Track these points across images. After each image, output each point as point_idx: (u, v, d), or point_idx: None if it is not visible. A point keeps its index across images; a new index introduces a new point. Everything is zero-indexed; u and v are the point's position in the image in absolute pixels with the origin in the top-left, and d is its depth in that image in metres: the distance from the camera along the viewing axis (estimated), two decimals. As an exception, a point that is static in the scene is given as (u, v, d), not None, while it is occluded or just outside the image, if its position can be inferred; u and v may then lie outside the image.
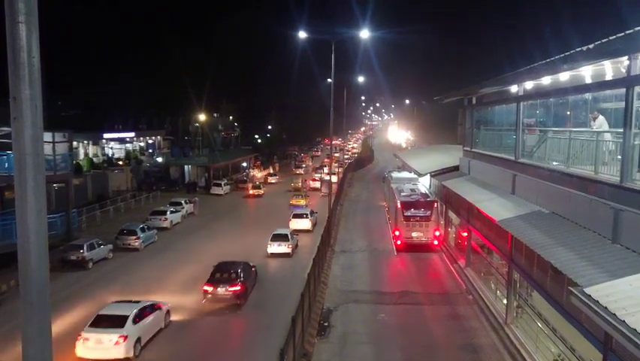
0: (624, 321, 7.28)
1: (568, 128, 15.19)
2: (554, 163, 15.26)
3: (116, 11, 67.65)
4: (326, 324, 18.27)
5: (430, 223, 28.68)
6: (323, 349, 16.29)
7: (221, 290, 19.29)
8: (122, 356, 14.79)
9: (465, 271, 23.67)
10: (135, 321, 15.54)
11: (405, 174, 40.66)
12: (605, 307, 7.79)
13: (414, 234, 28.70)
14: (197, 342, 16.60)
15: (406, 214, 28.65)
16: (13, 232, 17.20)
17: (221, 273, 20.12)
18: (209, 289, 19.33)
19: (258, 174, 66.64)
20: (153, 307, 16.90)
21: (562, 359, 13.05)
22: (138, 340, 15.39)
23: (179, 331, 17.33)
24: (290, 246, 27.15)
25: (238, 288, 19.44)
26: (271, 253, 26.89)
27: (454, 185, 24.77)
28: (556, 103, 16.56)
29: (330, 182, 36.84)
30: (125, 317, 15.38)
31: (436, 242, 28.88)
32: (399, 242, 28.88)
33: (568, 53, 11.58)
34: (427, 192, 31.72)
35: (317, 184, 53.07)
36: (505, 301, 17.80)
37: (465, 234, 24.72)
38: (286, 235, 27.67)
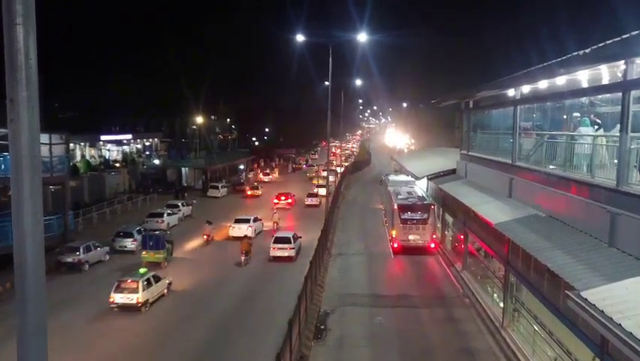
0: (620, 324, 7.30)
1: (564, 131, 15.23)
2: (551, 167, 15.29)
3: (115, 11, 67.17)
4: (323, 327, 18.25)
5: (427, 226, 28.70)
6: (319, 352, 16.28)
7: (282, 201, 44.02)
8: (250, 234, 30.89)
9: (462, 274, 23.68)
10: (254, 221, 32.64)
11: (402, 177, 40.71)
12: (602, 311, 7.81)
13: (411, 237, 28.71)
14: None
15: (402, 217, 28.67)
16: (9, 234, 17.14)
17: (281, 194, 44.87)
18: (277, 200, 44.13)
19: (259, 175, 66.99)
20: (258, 218, 33.85)
21: (558, 362, 13.05)
22: (255, 230, 32.18)
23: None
24: (318, 200, 45.27)
25: (290, 200, 45.16)
26: (306, 205, 45.24)
27: (450, 188, 24.80)
28: (553, 107, 16.60)
29: (334, 172, 51.61)
30: (249, 219, 32.93)
31: (432, 245, 28.91)
32: (396, 245, 28.90)
33: (565, 57, 11.64)
34: (424, 195, 31.73)
35: (325, 173, 59.60)
36: (501, 305, 17.81)
37: (462, 237, 24.75)
38: (316, 193, 47.05)
